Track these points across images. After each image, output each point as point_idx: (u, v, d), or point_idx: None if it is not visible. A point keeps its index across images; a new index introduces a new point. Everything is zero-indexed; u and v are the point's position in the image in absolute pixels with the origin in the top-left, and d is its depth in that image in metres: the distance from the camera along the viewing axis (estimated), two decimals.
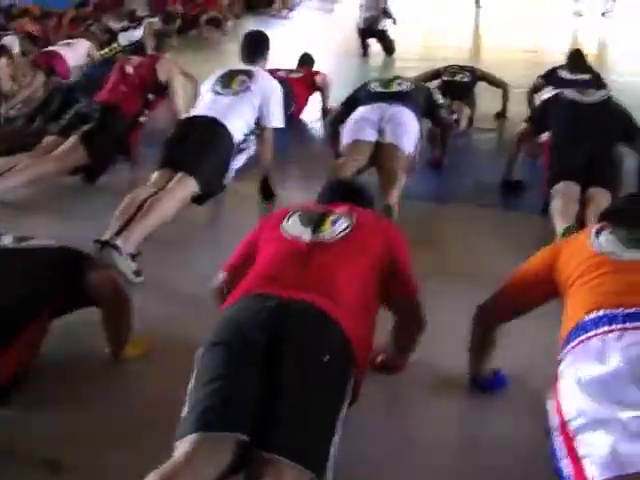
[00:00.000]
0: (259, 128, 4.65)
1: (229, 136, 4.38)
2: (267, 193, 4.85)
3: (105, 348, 2.99)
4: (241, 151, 4.51)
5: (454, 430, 2.72)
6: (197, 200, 4.27)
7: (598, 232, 2.33)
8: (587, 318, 2.04)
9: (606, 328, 1.97)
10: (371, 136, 4.74)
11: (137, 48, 9.82)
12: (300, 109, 7.24)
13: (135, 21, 12.32)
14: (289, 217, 2.53)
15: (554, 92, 5.28)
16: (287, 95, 6.55)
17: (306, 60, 7.94)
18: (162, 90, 5.36)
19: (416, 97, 5.17)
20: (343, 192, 2.77)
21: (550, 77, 6.38)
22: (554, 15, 18.60)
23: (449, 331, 2.83)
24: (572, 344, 2.04)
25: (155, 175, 4.23)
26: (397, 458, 2.50)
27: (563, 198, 4.08)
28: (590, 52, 12.18)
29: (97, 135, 5.01)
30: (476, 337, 2.69)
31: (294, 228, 2.47)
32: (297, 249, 2.37)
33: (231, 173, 4.49)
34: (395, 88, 5.18)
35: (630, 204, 2.70)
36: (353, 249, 2.40)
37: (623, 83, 8.15)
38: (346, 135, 4.88)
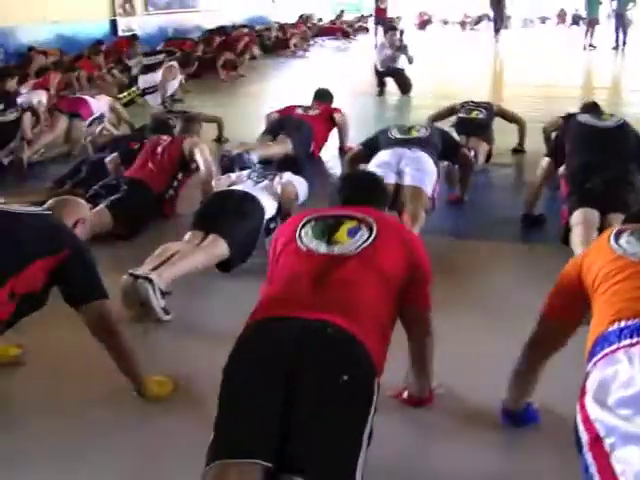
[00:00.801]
0: None
1: (261, 210, 4.56)
2: None
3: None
4: (269, 231, 4.56)
5: (481, 464, 2.67)
6: (223, 266, 4.29)
7: (618, 234, 2.27)
8: (610, 329, 2.00)
9: (629, 341, 1.93)
10: (391, 179, 4.80)
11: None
12: (319, 147, 7.31)
13: (153, 55, 12.52)
14: (303, 226, 2.52)
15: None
16: (307, 134, 6.87)
17: (322, 95, 7.86)
18: (189, 166, 5.49)
19: (434, 142, 5.30)
20: (359, 188, 2.74)
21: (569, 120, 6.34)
22: (567, 49, 18.79)
23: (473, 363, 2.84)
24: (597, 357, 1.99)
25: (188, 234, 4.35)
26: None
27: (583, 225, 4.07)
28: (604, 84, 12.32)
29: (125, 203, 5.05)
30: (523, 371, 2.61)
31: (309, 239, 2.46)
32: (313, 265, 2.36)
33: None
34: (414, 135, 5.31)
35: None
36: (373, 264, 2.38)
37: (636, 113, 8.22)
38: None
